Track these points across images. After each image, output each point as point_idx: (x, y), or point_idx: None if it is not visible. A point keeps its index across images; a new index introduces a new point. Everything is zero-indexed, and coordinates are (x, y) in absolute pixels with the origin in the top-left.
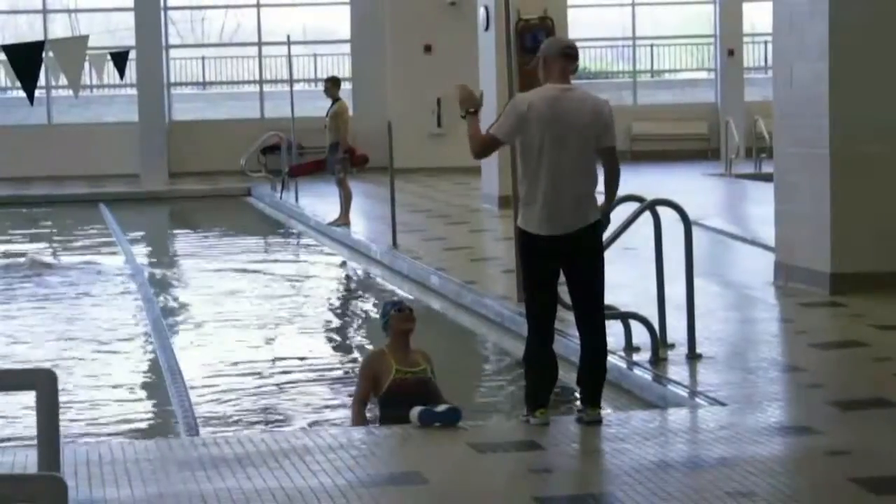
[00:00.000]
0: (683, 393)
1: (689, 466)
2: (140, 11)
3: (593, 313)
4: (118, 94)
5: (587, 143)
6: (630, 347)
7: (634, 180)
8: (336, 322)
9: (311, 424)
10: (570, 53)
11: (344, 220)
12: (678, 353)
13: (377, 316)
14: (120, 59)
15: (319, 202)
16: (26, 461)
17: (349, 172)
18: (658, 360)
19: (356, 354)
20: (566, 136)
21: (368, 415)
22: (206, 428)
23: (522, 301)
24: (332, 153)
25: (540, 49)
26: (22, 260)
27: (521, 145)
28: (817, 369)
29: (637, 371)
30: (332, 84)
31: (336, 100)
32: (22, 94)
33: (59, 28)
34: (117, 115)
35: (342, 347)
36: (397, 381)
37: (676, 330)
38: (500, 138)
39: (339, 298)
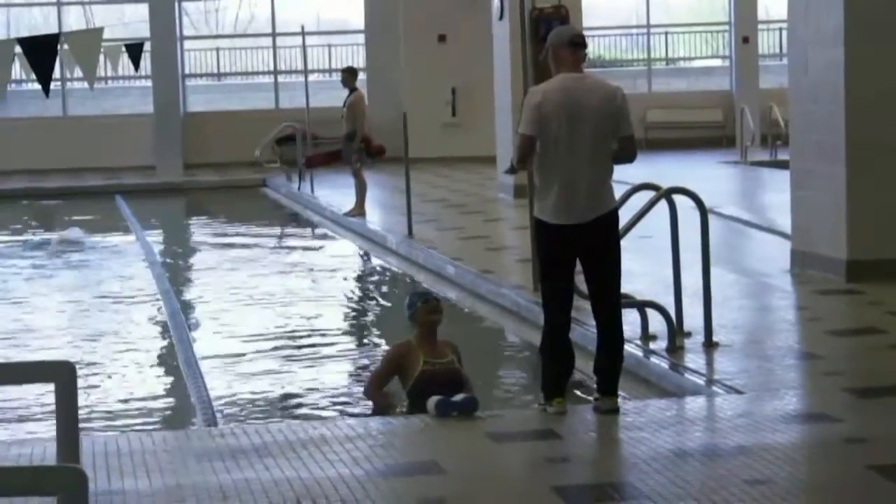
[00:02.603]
0: (700, 381)
1: (707, 455)
2: (154, 3)
3: (610, 302)
4: (133, 85)
5: (602, 131)
6: (647, 336)
7: (649, 168)
8: (353, 312)
9: (330, 414)
10: (578, 41)
11: (359, 210)
12: (695, 342)
13: (393, 305)
14: (135, 50)
15: (335, 193)
16: (45, 453)
17: (364, 163)
18: (675, 348)
19: (374, 344)
20: (580, 125)
21: (394, 400)
22: (224, 418)
23: (538, 290)
24: (347, 143)
25: (547, 40)
26: (53, 237)
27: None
28: (834, 357)
29: (654, 359)
30: (349, 74)
31: (353, 90)
32: (37, 86)
33: (74, 20)
34: (132, 106)
35: (361, 338)
36: (426, 373)
37: (693, 318)
38: (528, 133)
39: (355, 289)
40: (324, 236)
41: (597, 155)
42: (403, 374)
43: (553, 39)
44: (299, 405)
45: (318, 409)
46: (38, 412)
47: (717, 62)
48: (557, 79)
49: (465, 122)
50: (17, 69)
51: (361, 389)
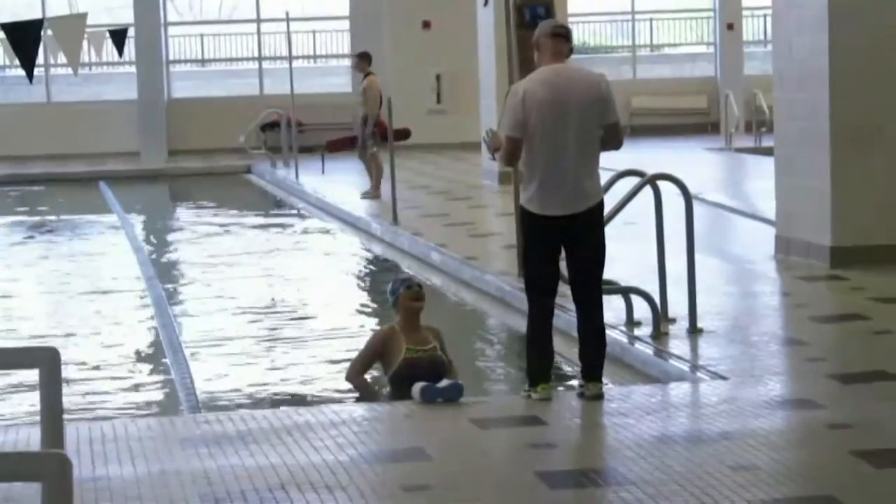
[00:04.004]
0: (684, 367)
1: (691, 440)
2: None
3: (591, 290)
4: (117, 71)
5: (587, 120)
6: (631, 322)
7: (634, 154)
8: (338, 298)
9: (314, 400)
10: (559, 33)
11: (375, 192)
12: (679, 328)
13: (378, 292)
14: (118, 36)
15: (319, 179)
16: (29, 439)
17: (378, 146)
18: (659, 334)
19: (358, 330)
20: (564, 115)
21: (376, 387)
22: (208, 405)
23: (523, 276)
24: (362, 127)
25: (534, 34)
26: (33, 220)
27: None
28: (818, 343)
29: (638, 346)
30: (361, 59)
31: (366, 74)
32: (21, 72)
33: (58, 6)
34: (116, 93)
35: (345, 324)
36: (408, 360)
37: (677, 304)
38: (512, 135)
39: (339, 275)
40: (308, 223)
41: (583, 145)
42: (386, 359)
43: (537, 31)
44: (284, 391)
45: (303, 395)
46: (22, 398)
47: (701, 49)
48: (538, 72)
49: (450, 108)
50: (1, 55)
51: (345, 375)
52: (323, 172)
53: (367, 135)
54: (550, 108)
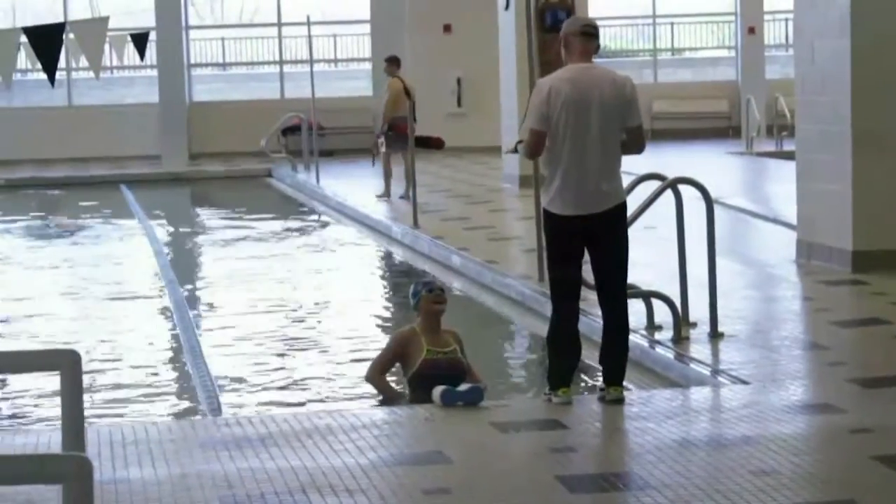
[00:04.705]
0: (706, 371)
1: (712, 445)
2: None
3: (616, 292)
4: (138, 75)
5: (610, 122)
6: (652, 326)
7: (655, 158)
8: (358, 301)
9: (334, 403)
10: (589, 32)
11: (386, 191)
12: (700, 332)
13: (398, 295)
14: (140, 40)
15: (340, 183)
16: (50, 442)
17: (387, 148)
18: (680, 338)
19: (378, 332)
20: (587, 114)
21: (398, 387)
22: (229, 407)
23: (544, 280)
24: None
25: (561, 29)
26: (48, 222)
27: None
28: (840, 347)
29: (659, 350)
30: (389, 63)
31: (394, 78)
32: (43, 76)
33: (79, 9)
34: (138, 96)
35: (365, 326)
36: (428, 362)
37: (698, 308)
38: (537, 128)
39: (360, 278)
40: (328, 226)
41: (605, 145)
42: (406, 361)
43: (565, 28)
44: (304, 394)
45: (323, 397)
46: (43, 401)
47: (723, 53)
48: (564, 70)
49: (471, 112)
50: (23, 58)
51: (365, 375)
52: (373, 165)
53: (377, 135)
54: (574, 106)
